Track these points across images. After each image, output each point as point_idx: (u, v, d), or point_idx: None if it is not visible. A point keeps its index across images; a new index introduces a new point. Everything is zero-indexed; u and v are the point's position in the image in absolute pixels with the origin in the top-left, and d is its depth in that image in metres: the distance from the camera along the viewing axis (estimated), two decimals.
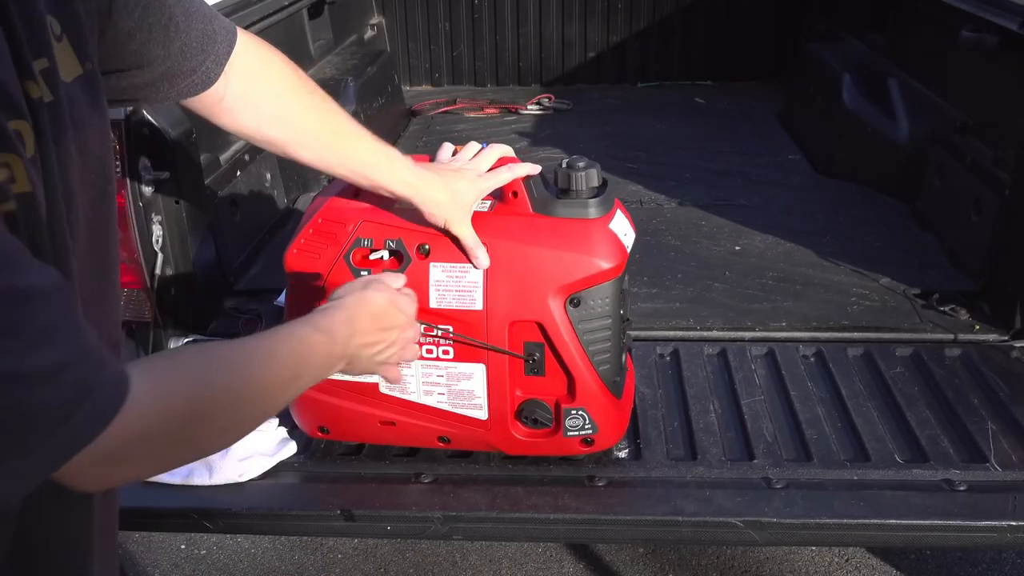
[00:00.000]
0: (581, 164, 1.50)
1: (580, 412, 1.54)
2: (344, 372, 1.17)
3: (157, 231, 1.96)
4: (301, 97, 1.34)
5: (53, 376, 0.71)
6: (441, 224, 1.46)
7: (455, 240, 1.47)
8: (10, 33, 0.77)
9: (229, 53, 1.23)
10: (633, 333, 1.92)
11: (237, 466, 1.59)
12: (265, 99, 1.31)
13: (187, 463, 0.96)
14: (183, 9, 1.15)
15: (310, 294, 1.52)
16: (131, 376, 0.79)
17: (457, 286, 1.49)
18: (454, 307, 1.49)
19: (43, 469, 0.73)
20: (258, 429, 1.64)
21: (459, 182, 1.44)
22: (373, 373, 1.29)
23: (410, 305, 1.28)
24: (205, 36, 1.19)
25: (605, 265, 1.47)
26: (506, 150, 1.54)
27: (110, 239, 0.97)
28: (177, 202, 2.01)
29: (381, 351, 1.21)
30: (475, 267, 1.48)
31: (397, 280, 1.30)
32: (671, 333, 2.07)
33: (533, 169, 1.51)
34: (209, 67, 1.20)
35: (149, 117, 1.93)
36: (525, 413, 1.54)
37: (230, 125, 1.31)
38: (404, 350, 1.27)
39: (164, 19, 1.11)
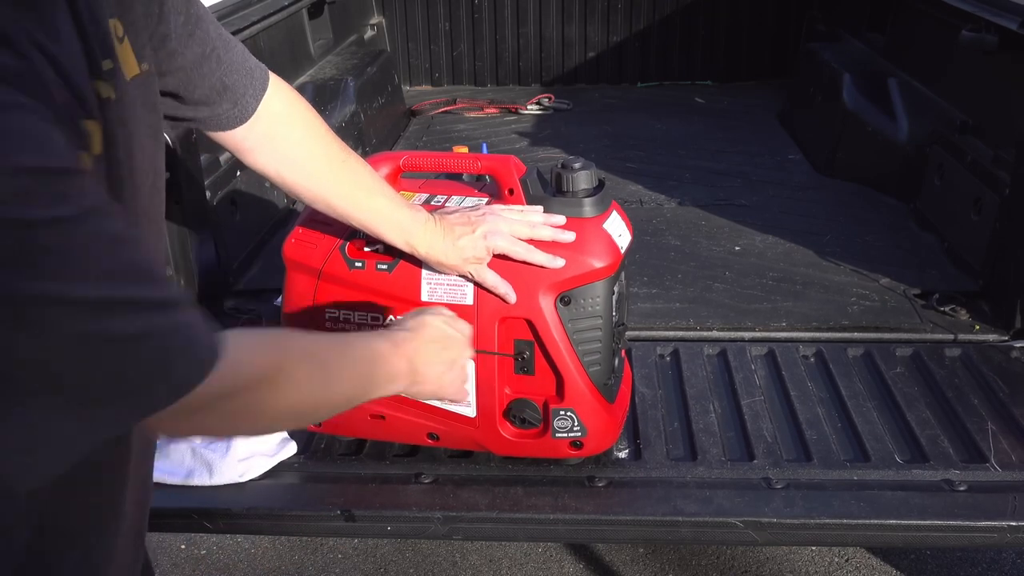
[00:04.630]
0: (577, 164, 1.50)
1: (569, 413, 1.53)
2: (411, 393, 1.20)
3: None
4: (322, 145, 1.36)
5: (172, 321, 0.77)
6: (456, 275, 1.48)
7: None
8: (82, 35, 0.80)
9: (264, 91, 1.28)
10: (633, 333, 1.92)
11: (237, 466, 1.59)
12: (287, 143, 1.34)
13: (248, 432, 1.07)
14: (224, 43, 1.19)
15: (307, 284, 1.55)
16: (226, 336, 0.84)
17: (448, 280, 1.49)
18: (445, 301, 1.49)
19: (157, 404, 0.77)
20: None
21: (464, 239, 1.43)
22: (438, 395, 1.30)
23: (467, 327, 1.32)
24: (244, 72, 1.23)
25: (597, 264, 1.47)
26: (543, 225, 1.47)
27: (161, 229, 1.03)
28: (177, 202, 2.01)
29: (445, 372, 1.25)
30: (507, 303, 1.48)
31: (450, 312, 1.35)
32: (671, 333, 2.07)
33: (553, 263, 1.46)
34: (247, 102, 1.25)
35: None
36: (513, 412, 1.54)
37: (252, 163, 1.34)
38: (464, 371, 1.32)
39: (208, 49, 1.15)
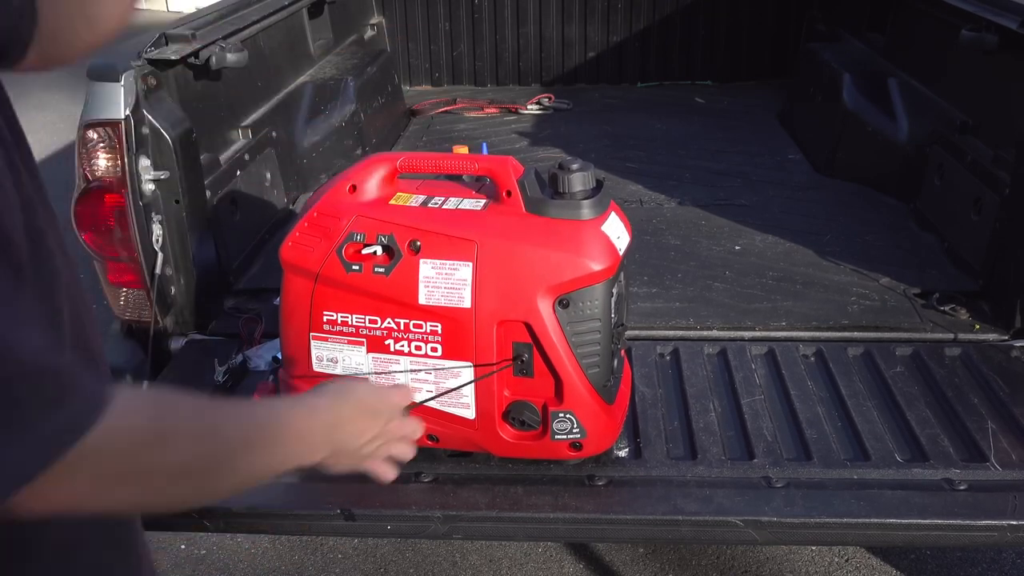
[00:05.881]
0: (575, 166, 1.50)
1: (568, 415, 1.53)
2: (329, 465, 1.06)
3: (157, 231, 1.96)
4: None
5: (41, 372, 0.71)
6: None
7: None
8: None
9: None
10: (633, 333, 1.92)
11: None
12: None
13: (135, 506, 0.88)
14: None
15: (304, 287, 1.55)
16: (109, 392, 0.77)
17: (446, 283, 1.49)
18: (442, 304, 1.49)
19: (33, 463, 0.71)
20: None
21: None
22: (359, 468, 1.14)
23: (398, 397, 1.18)
24: None
25: (595, 267, 1.47)
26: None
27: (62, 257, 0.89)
28: (177, 202, 2.01)
29: (368, 442, 1.11)
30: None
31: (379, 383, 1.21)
32: (671, 333, 2.07)
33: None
34: None
35: (149, 117, 1.93)
36: (512, 414, 1.54)
37: None
38: (393, 445, 1.16)
39: None
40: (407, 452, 1.20)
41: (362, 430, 1.10)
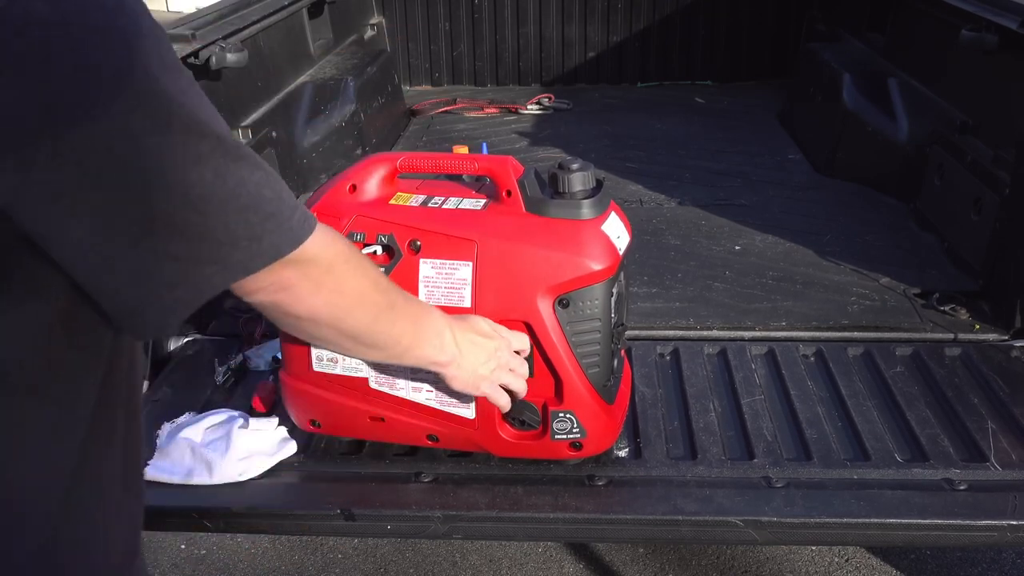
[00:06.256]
0: (575, 165, 1.50)
1: (568, 415, 1.53)
2: (448, 376, 1.31)
3: None
4: None
5: (280, 187, 0.93)
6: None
7: None
8: None
9: None
10: (633, 333, 1.91)
11: (237, 465, 1.59)
12: None
13: (328, 321, 1.09)
14: None
15: None
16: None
17: (446, 283, 1.49)
18: (443, 303, 1.49)
19: (279, 250, 0.92)
20: (257, 429, 1.65)
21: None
22: (471, 388, 1.39)
23: (510, 335, 1.43)
24: None
25: (595, 266, 1.47)
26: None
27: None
28: None
29: (484, 363, 1.35)
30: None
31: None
32: (671, 333, 2.07)
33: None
34: None
35: None
36: (512, 414, 1.54)
37: None
38: (506, 374, 1.41)
39: None
40: (519, 385, 1.45)
41: (480, 348, 1.35)
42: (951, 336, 2.03)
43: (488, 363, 1.37)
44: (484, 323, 1.40)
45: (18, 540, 0.89)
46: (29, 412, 0.88)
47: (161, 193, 0.82)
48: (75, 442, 0.92)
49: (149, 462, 1.58)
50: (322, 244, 0.99)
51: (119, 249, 0.82)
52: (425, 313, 1.29)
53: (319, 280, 1.02)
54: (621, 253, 1.52)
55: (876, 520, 1.51)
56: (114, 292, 0.85)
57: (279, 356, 1.73)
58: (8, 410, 0.86)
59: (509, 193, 1.50)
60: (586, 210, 1.49)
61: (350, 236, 1.52)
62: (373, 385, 1.57)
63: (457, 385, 1.40)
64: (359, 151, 3.16)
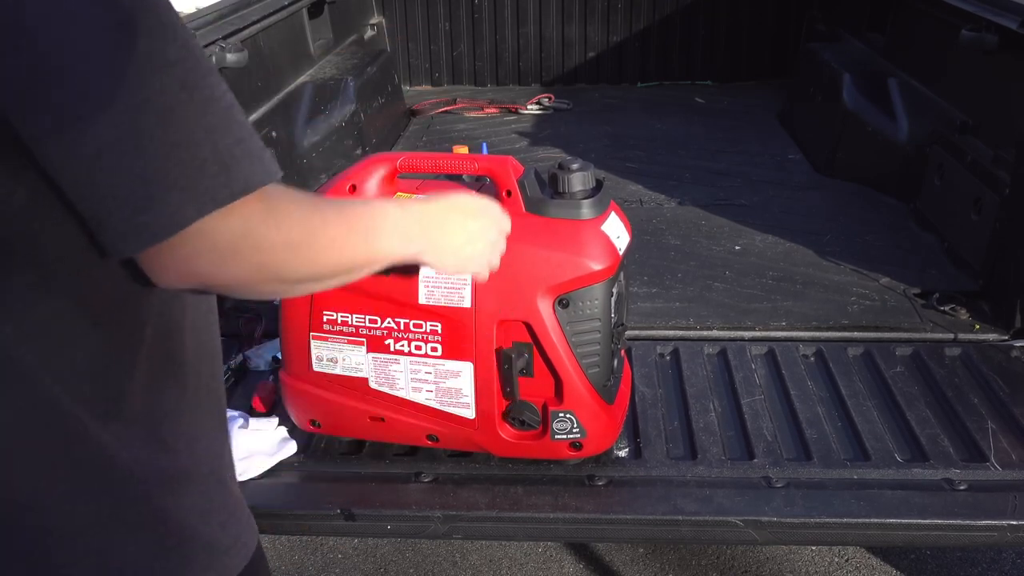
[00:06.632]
0: (575, 165, 1.50)
1: (568, 415, 1.53)
2: (433, 263, 1.17)
3: None
4: None
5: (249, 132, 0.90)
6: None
7: None
8: None
9: None
10: (633, 333, 1.92)
11: (237, 465, 1.58)
12: None
13: (269, 280, 1.01)
14: None
15: None
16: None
17: (447, 283, 1.49)
18: (442, 303, 1.49)
19: (249, 183, 0.91)
20: (257, 429, 1.65)
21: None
22: (460, 269, 1.25)
23: (498, 210, 1.28)
24: None
25: (595, 266, 1.47)
26: None
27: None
28: None
29: (469, 243, 1.21)
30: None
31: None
32: (671, 333, 2.07)
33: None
34: None
35: None
36: (512, 414, 1.54)
37: None
38: (497, 255, 1.28)
39: None
40: (496, 263, 1.30)
41: (460, 228, 1.20)
42: (951, 336, 2.03)
43: (474, 244, 1.23)
44: (464, 199, 1.25)
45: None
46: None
47: (123, 99, 0.78)
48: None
49: None
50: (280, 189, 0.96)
51: (88, 161, 0.79)
52: (373, 217, 1.09)
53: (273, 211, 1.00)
54: (621, 253, 1.52)
55: (876, 520, 1.51)
56: (90, 208, 0.82)
57: (279, 356, 1.73)
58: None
59: (509, 193, 1.50)
60: (586, 210, 1.49)
61: None
62: (373, 385, 1.57)
63: (447, 270, 1.32)
64: (359, 151, 3.16)
